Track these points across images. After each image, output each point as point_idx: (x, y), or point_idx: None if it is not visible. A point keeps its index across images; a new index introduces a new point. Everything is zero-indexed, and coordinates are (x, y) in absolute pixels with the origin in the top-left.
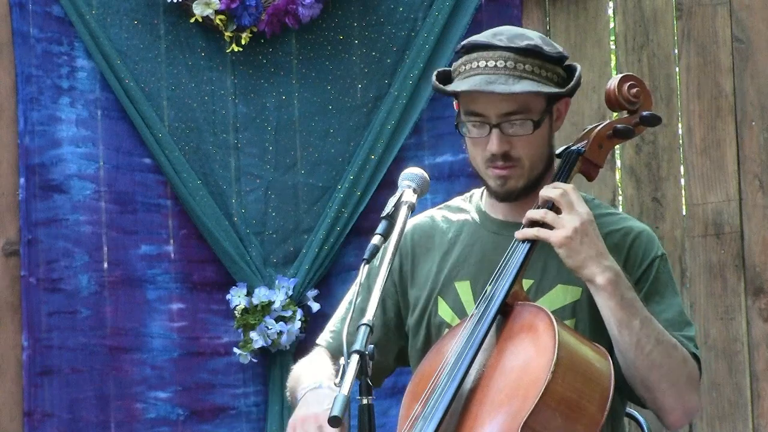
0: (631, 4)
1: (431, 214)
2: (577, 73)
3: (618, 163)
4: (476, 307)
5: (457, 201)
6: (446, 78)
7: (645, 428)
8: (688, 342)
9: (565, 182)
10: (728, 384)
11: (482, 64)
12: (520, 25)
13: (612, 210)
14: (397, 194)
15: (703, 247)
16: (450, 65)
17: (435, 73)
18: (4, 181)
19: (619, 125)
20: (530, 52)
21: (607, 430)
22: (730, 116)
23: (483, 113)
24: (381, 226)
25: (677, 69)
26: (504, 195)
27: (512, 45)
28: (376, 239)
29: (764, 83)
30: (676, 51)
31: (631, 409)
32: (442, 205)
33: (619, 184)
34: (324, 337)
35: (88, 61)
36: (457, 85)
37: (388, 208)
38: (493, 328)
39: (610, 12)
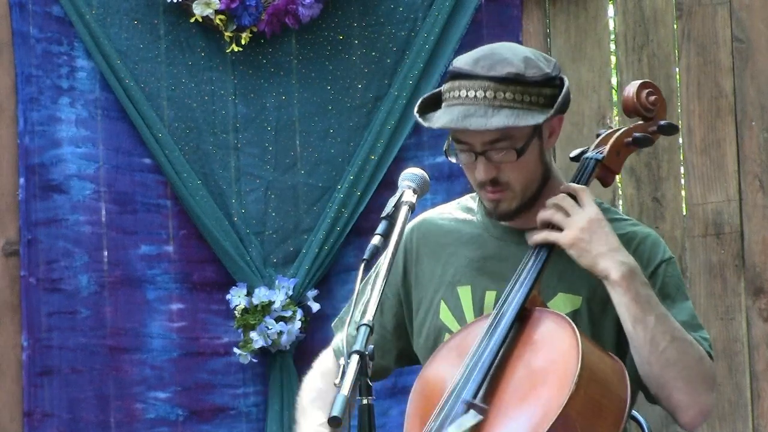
0: (631, 4)
1: (440, 211)
2: (563, 92)
3: None
4: (495, 309)
5: (467, 200)
6: (434, 101)
7: (645, 428)
8: (703, 341)
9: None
10: (728, 384)
11: (462, 93)
12: (519, 25)
13: (621, 216)
14: (397, 194)
15: (703, 247)
16: (440, 84)
17: (418, 102)
18: (4, 181)
19: (637, 134)
20: (510, 81)
21: None
22: (730, 116)
23: (468, 142)
24: (381, 227)
25: (677, 69)
26: (499, 216)
27: (492, 74)
28: (376, 239)
29: (764, 83)
30: (676, 51)
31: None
32: (453, 203)
33: (619, 184)
34: (336, 342)
35: (88, 61)
36: (437, 120)
37: (388, 208)
38: (512, 332)
39: (610, 12)
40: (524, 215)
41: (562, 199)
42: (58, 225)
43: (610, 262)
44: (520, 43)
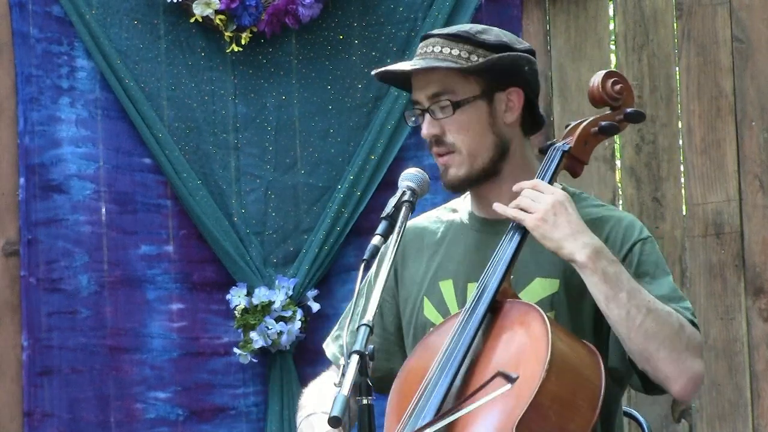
0: (631, 4)
1: (426, 215)
2: (503, 55)
3: (618, 163)
4: (467, 304)
5: (454, 202)
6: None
7: (645, 428)
8: (684, 311)
9: (551, 180)
10: (728, 384)
11: (420, 51)
12: (519, 25)
13: (598, 202)
14: (397, 194)
15: (703, 247)
16: None
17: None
18: (4, 181)
19: (603, 122)
20: (460, 38)
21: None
22: (730, 116)
23: (417, 100)
24: (381, 227)
25: (677, 69)
26: (448, 185)
27: (445, 32)
28: (376, 239)
29: (764, 83)
30: (676, 51)
31: (631, 409)
32: (440, 206)
33: (619, 184)
34: (331, 350)
35: (88, 61)
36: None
37: (388, 208)
38: (483, 326)
39: (610, 12)
40: (492, 195)
41: (533, 185)
42: (58, 225)
43: (575, 245)
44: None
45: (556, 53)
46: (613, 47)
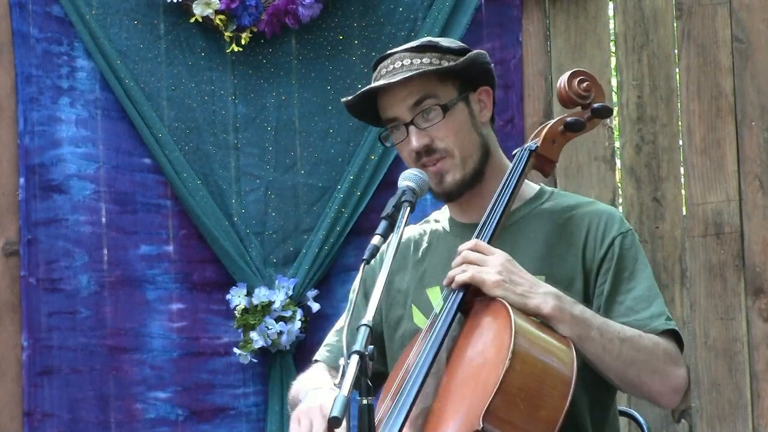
0: (631, 4)
1: (410, 228)
2: (471, 54)
3: (618, 163)
4: (437, 307)
5: (434, 214)
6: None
7: (645, 428)
8: (656, 320)
9: (519, 179)
10: (728, 384)
11: (383, 72)
12: (519, 26)
13: (575, 195)
14: (397, 194)
15: (703, 247)
16: None
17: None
18: (4, 181)
19: (569, 119)
20: (427, 47)
21: (597, 425)
22: (730, 116)
23: (396, 115)
24: (381, 227)
25: (677, 69)
26: (446, 193)
27: (406, 47)
28: (376, 239)
29: (764, 83)
30: (676, 51)
31: (630, 409)
32: (422, 221)
33: (619, 184)
34: (321, 353)
35: (88, 61)
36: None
37: (388, 208)
38: (456, 326)
39: (610, 12)
40: (481, 198)
41: (466, 254)
42: (58, 225)
43: (537, 299)
44: (520, 43)
45: (556, 53)
46: (613, 47)
